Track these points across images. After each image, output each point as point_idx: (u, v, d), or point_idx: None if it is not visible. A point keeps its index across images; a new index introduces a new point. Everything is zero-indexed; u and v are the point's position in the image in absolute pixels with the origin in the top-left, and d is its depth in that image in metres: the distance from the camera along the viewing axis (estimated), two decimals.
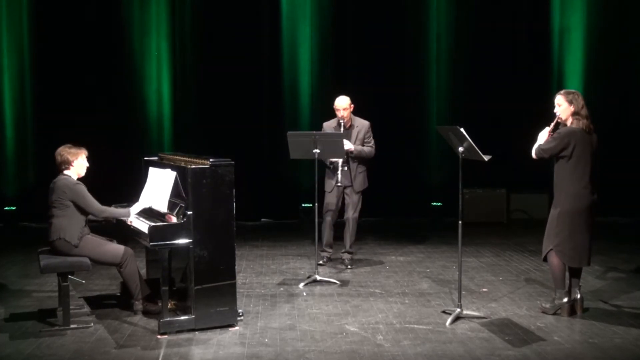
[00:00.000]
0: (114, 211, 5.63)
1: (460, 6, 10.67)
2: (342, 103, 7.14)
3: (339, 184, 7.07)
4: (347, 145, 6.96)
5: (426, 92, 10.78)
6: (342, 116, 7.11)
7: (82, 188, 5.46)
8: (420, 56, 10.74)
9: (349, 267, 7.34)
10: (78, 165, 5.54)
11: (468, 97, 10.56)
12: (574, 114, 5.51)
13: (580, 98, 5.57)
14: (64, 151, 5.53)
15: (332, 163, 7.13)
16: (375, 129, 7.35)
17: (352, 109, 7.21)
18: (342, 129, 7.08)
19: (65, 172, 5.52)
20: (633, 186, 10.34)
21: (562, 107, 5.56)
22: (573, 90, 5.68)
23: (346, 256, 7.42)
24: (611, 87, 10.48)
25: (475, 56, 10.61)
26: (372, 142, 7.26)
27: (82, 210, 5.44)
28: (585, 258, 5.57)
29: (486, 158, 5.42)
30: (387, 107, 10.46)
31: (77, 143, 5.65)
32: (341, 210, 7.44)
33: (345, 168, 7.11)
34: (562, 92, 5.63)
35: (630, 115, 10.47)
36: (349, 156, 7.09)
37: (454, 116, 10.32)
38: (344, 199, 7.34)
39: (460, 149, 5.48)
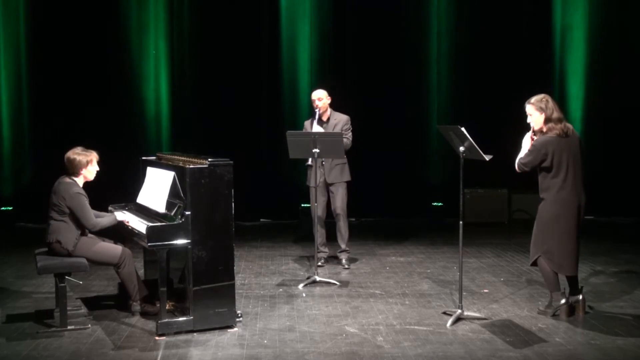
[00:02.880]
0: (104, 223, 5.51)
1: (460, 4, 10.65)
2: (317, 93, 7.21)
3: (308, 184, 7.21)
4: (318, 129, 6.99)
5: (427, 91, 10.75)
6: (317, 106, 7.13)
7: (82, 199, 5.37)
8: (421, 55, 10.70)
9: (346, 266, 7.31)
10: (87, 172, 5.48)
11: (469, 96, 10.53)
12: (546, 121, 5.40)
13: (550, 102, 5.43)
14: (75, 155, 5.42)
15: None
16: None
17: (329, 101, 7.21)
18: (316, 117, 7.07)
19: (73, 177, 5.46)
20: (634, 185, 10.30)
21: (534, 116, 5.46)
22: (542, 96, 5.49)
23: (343, 256, 7.38)
24: (613, 85, 10.43)
25: (476, 55, 10.58)
26: (350, 134, 7.19)
27: (77, 221, 5.38)
28: (574, 264, 5.50)
29: (487, 158, 5.38)
30: (387, 106, 10.44)
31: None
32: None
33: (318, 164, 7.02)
34: (531, 100, 5.48)
35: (631, 114, 10.41)
36: None
37: (454, 115, 10.29)
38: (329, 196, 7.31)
39: (461, 148, 5.43)
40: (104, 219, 5.55)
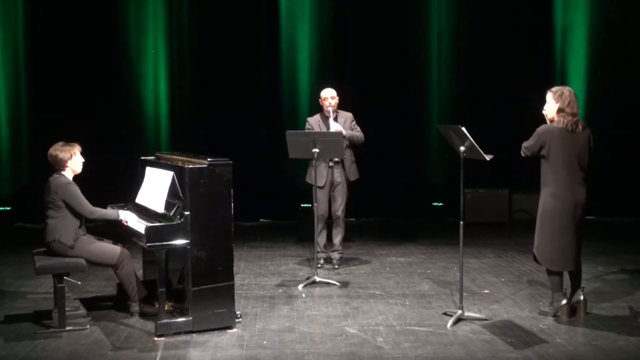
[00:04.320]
0: (104, 213, 5.53)
1: (461, 3, 10.62)
2: (331, 92, 7.14)
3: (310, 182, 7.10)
4: (338, 127, 6.95)
5: (427, 90, 10.72)
6: (330, 104, 7.07)
7: (74, 189, 5.37)
8: (421, 54, 10.68)
9: (337, 266, 7.28)
10: (73, 164, 5.46)
11: (469, 96, 10.50)
12: (559, 110, 5.38)
13: (568, 93, 5.40)
14: (56, 151, 5.42)
15: (331, 160, 7.08)
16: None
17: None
18: (331, 117, 7.03)
19: (61, 171, 5.44)
20: (635, 185, 10.27)
21: (550, 104, 5.45)
22: (563, 87, 5.51)
23: (335, 256, 7.36)
24: (614, 85, 10.40)
25: (476, 54, 10.55)
26: (359, 128, 7.23)
27: (74, 212, 5.36)
28: (570, 262, 5.43)
29: (488, 157, 5.35)
30: (387, 106, 10.41)
31: (68, 139, 5.56)
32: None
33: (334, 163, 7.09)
34: (552, 89, 5.48)
35: (632, 113, 10.39)
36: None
37: (455, 115, 10.26)
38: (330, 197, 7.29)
39: (462, 148, 5.41)
40: (104, 210, 5.57)
